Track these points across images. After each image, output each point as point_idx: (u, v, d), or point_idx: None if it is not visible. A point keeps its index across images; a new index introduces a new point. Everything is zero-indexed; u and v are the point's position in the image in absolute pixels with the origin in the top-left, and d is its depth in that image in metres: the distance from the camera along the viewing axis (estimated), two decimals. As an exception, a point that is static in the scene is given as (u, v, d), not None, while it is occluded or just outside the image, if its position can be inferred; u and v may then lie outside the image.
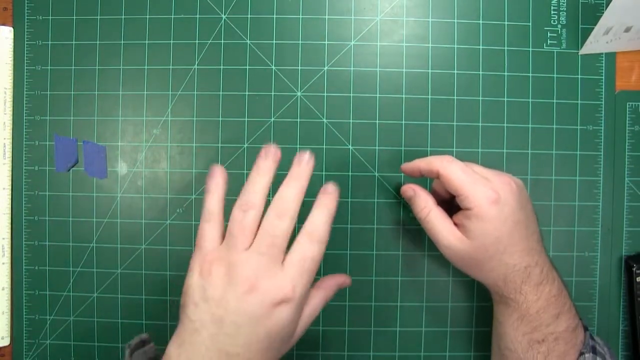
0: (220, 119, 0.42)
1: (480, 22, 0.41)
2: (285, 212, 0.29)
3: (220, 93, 0.42)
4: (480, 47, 0.41)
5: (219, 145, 0.42)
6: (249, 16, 0.42)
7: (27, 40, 0.42)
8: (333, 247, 0.40)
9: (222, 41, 0.42)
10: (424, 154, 0.40)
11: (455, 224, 0.34)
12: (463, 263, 0.35)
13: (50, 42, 0.42)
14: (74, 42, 0.42)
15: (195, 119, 0.42)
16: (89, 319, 0.42)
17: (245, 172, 0.41)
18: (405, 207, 0.41)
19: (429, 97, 0.41)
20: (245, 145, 0.42)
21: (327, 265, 0.41)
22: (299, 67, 0.41)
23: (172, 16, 0.42)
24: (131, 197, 0.42)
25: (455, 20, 0.41)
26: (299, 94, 0.41)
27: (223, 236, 0.31)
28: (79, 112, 0.42)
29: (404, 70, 0.41)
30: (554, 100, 0.41)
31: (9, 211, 0.42)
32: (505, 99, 0.41)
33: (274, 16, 0.42)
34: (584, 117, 0.41)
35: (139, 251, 0.42)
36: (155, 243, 0.42)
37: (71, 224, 0.42)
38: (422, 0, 0.41)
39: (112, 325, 0.42)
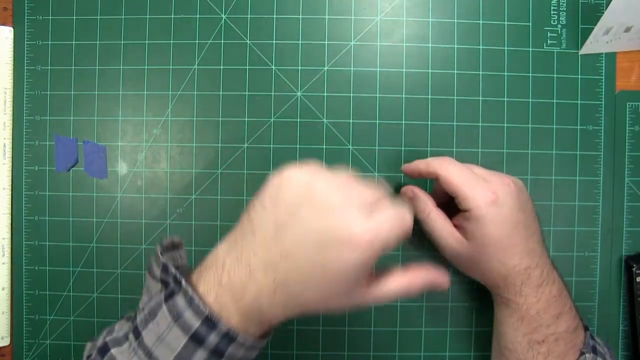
0: (220, 119, 0.42)
1: (480, 22, 0.41)
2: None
3: (220, 93, 0.42)
4: (480, 47, 0.41)
5: (219, 145, 0.42)
6: (249, 16, 0.42)
7: (27, 40, 0.42)
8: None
9: (222, 41, 0.42)
10: (424, 154, 0.40)
11: (455, 226, 0.34)
12: (463, 264, 0.35)
13: (50, 42, 0.42)
14: (74, 42, 0.42)
15: (195, 119, 0.42)
16: (89, 319, 0.42)
17: (245, 172, 0.41)
18: (405, 207, 0.41)
19: (429, 97, 0.41)
20: (245, 145, 0.42)
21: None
22: (299, 67, 0.41)
23: (172, 16, 0.42)
24: (131, 197, 0.42)
25: (455, 20, 0.41)
26: (299, 94, 0.41)
27: None
28: (79, 112, 0.42)
29: (404, 70, 0.41)
30: (554, 100, 0.41)
31: (9, 211, 0.42)
32: (505, 99, 0.41)
33: (274, 16, 0.42)
34: (584, 117, 0.41)
35: (139, 251, 0.42)
36: (155, 243, 0.41)
37: (71, 224, 0.42)
38: (422, 0, 0.41)
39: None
